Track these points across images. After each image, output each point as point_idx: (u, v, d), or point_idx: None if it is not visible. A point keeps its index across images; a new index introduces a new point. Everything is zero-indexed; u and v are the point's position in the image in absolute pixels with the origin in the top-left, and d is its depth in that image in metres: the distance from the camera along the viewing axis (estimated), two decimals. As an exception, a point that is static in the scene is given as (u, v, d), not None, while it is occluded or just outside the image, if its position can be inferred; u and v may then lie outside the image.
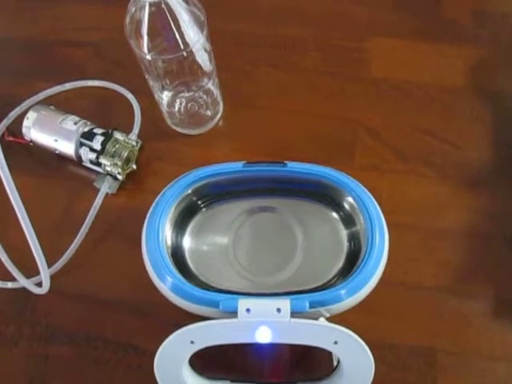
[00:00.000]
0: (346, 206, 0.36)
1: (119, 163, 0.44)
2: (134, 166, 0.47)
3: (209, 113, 0.50)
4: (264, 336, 0.30)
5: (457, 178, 0.47)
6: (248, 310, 0.29)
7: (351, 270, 0.34)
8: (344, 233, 0.36)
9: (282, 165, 0.35)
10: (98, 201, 0.45)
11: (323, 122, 0.51)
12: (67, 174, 0.49)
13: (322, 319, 0.33)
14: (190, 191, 0.36)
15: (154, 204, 0.35)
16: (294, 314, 0.30)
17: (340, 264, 0.35)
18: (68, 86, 0.52)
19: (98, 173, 0.47)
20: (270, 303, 0.30)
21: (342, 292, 0.32)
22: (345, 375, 0.32)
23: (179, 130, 0.50)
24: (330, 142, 0.50)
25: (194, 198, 0.37)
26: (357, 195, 0.34)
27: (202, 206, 0.38)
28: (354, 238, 0.35)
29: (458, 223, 0.45)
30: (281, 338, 0.30)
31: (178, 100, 0.50)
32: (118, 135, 0.44)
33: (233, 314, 0.30)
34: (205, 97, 0.50)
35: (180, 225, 0.37)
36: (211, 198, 0.38)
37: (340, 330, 0.29)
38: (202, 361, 0.34)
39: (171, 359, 0.32)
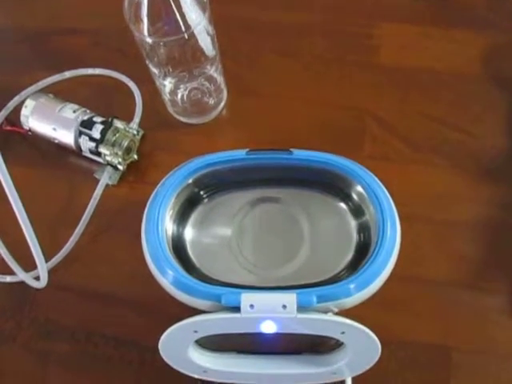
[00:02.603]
0: (355, 196, 0.34)
1: (119, 153, 0.43)
2: (136, 156, 0.45)
3: (212, 101, 0.48)
4: (269, 328, 0.29)
5: (471, 168, 0.45)
6: (252, 306, 0.28)
7: (361, 263, 0.32)
8: (353, 224, 0.34)
9: (287, 152, 0.33)
10: (98, 192, 0.43)
11: (330, 111, 0.49)
12: (67, 164, 0.48)
13: (329, 314, 0.32)
14: (191, 181, 0.35)
15: (153, 194, 0.33)
16: (301, 308, 0.28)
17: (349, 257, 0.33)
18: (68, 74, 0.51)
19: (98, 163, 0.46)
20: (275, 298, 0.28)
21: (351, 286, 0.30)
22: (350, 352, 0.31)
23: (182, 119, 0.49)
24: (338, 131, 0.48)
25: (196, 188, 0.36)
26: (366, 183, 0.32)
27: (205, 196, 0.36)
28: (363, 230, 0.33)
29: (473, 215, 0.43)
30: (286, 329, 0.29)
31: (180, 88, 0.48)
32: (118, 124, 0.43)
33: (236, 308, 0.28)
34: (208, 84, 0.48)
35: (181, 216, 0.35)
36: (214, 189, 0.36)
37: (347, 324, 0.28)
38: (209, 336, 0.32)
39: (175, 345, 0.31)
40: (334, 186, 0.35)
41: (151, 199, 0.33)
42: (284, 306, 0.28)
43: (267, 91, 0.50)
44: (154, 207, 0.32)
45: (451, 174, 0.45)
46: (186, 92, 0.49)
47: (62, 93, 0.49)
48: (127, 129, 0.43)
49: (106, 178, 0.44)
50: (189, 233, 0.36)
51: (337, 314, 0.32)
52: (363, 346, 0.30)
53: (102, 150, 0.42)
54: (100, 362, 0.40)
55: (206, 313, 0.30)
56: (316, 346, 0.35)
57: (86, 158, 0.47)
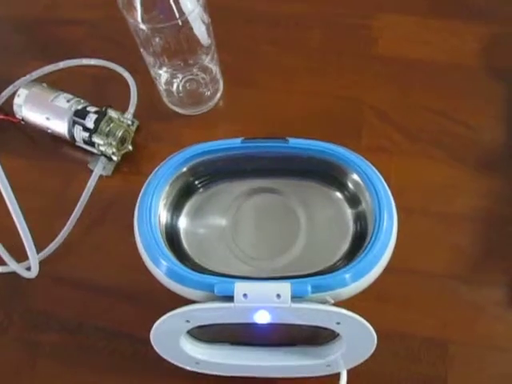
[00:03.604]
0: (351, 185, 0.34)
1: (114, 143, 0.42)
2: (130, 147, 0.45)
3: (208, 92, 0.48)
4: (262, 318, 0.28)
5: (469, 160, 0.44)
6: (245, 296, 0.27)
7: (357, 253, 0.32)
8: (349, 213, 0.34)
9: (283, 141, 0.33)
10: (92, 182, 0.43)
11: (328, 102, 0.48)
12: (61, 155, 0.47)
13: (326, 305, 0.31)
14: (185, 169, 0.34)
15: (146, 183, 0.33)
16: (295, 299, 0.28)
17: (345, 246, 0.33)
18: (62, 64, 0.50)
19: (92, 154, 0.46)
20: (269, 288, 0.27)
21: (347, 276, 0.29)
22: (346, 343, 0.30)
23: (177, 110, 0.48)
24: (335, 122, 0.47)
25: (191, 178, 0.35)
26: (363, 172, 0.31)
27: (199, 186, 0.36)
28: (360, 219, 0.33)
29: (471, 207, 0.42)
30: (280, 320, 0.28)
31: (176, 78, 0.48)
32: (112, 113, 0.42)
33: (229, 298, 0.28)
34: (203, 75, 0.47)
35: (176, 205, 0.35)
36: (209, 178, 0.36)
37: (343, 314, 0.27)
38: (201, 327, 0.32)
39: (166, 336, 0.31)
40: (331, 175, 0.34)
41: (144, 188, 0.33)
42: (278, 296, 0.27)
43: (264, 82, 0.50)
44: (146, 196, 0.32)
45: (449, 166, 0.44)
46: (182, 82, 0.48)
47: (57, 83, 0.49)
48: (121, 119, 0.43)
49: (99, 169, 0.43)
50: (183, 222, 0.35)
51: (333, 305, 0.31)
52: (359, 337, 0.29)
53: (96, 139, 0.41)
54: (92, 353, 0.39)
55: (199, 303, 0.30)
56: (311, 338, 0.35)
57: (80, 148, 0.46)
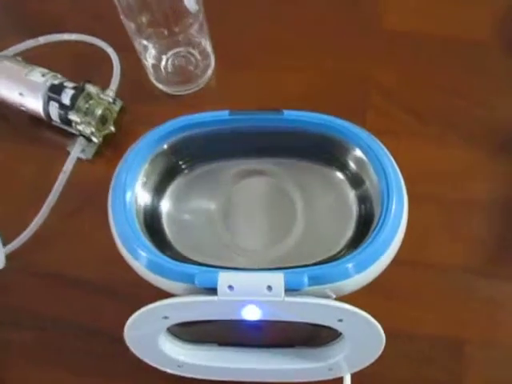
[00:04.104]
0: (352, 164, 0.30)
1: (93, 122, 0.38)
2: (112, 128, 0.41)
3: (198, 69, 0.44)
4: (252, 314, 0.24)
5: (485, 143, 0.40)
6: (231, 287, 0.23)
7: (363, 241, 0.28)
8: (352, 195, 0.30)
9: (277, 113, 0.29)
10: (69, 166, 0.39)
11: (329, 81, 0.44)
12: (37, 137, 0.43)
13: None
14: (166, 147, 0.30)
15: (121, 160, 0.29)
16: (290, 292, 0.24)
17: (349, 233, 0.29)
18: (42, 40, 0.46)
19: (72, 136, 0.42)
20: (259, 279, 0.23)
21: (349, 266, 0.25)
22: (349, 344, 0.26)
23: (165, 89, 0.44)
24: (338, 103, 0.43)
25: (173, 157, 0.31)
26: (367, 145, 0.27)
27: (184, 166, 0.32)
28: (364, 201, 0.29)
29: (487, 194, 0.38)
30: (273, 316, 0.24)
31: (163, 54, 0.44)
32: (90, 88, 0.38)
33: (213, 291, 0.24)
34: (193, 50, 0.44)
35: (157, 187, 0.31)
36: (194, 158, 0.32)
37: (345, 309, 0.23)
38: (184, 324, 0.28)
39: (143, 334, 0.27)
40: (330, 153, 0.30)
41: (119, 166, 0.29)
42: (269, 288, 0.23)
43: (258, 59, 0.46)
44: (121, 175, 0.28)
45: (463, 150, 0.40)
46: (170, 59, 0.44)
47: (36, 60, 0.45)
48: (102, 95, 0.39)
49: (77, 151, 0.39)
50: (165, 206, 0.31)
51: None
52: (364, 337, 0.25)
53: (72, 117, 0.37)
54: (68, 353, 0.36)
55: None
56: (310, 338, 0.31)
57: (58, 129, 0.42)
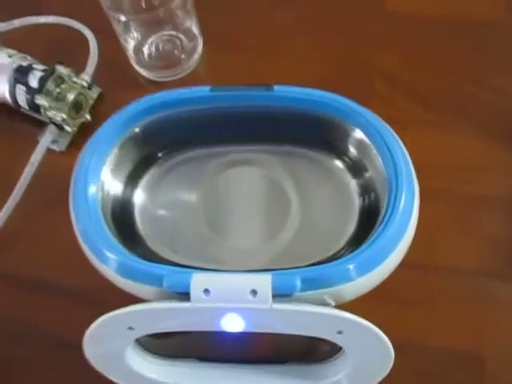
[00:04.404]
0: (353, 149, 0.26)
1: (65, 108, 0.35)
2: (88, 116, 0.37)
3: (184, 54, 0.40)
4: (233, 324, 0.20)
5: (498, 133, 0.36)
6: (206, 292, 0.19)
7: (366, 238, 0.24)
8: (353, 185, 0.26)
9: (266, 89, 0.25)
10: (37, 157, 0.35)
11: (329, 67, 0.40)
12: (4, 125, 0.39)
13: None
14: (138, 130, 0.26)
15: (84, 146, 0.25)
16: (279, 298, 0.20)
17: (351, 229, 0.25)
18: (17, 23, 0.42)
19: (44, 124, 0.38)
20: (241, 281, 0.19)
21: (350, 267, 0.21)
22: (351, 360, 0.22)
23: (148, 75, 0.40)
24: (338, 89, 0.38)
25: (148, 142, 0.27)
26: (371, 126, 0.23)
27: (160, 154, 0.28)
28: (367, 191, 0.25)
29: (503, 189, 0.34)
30: (259, 327, 0.20)
31: (147, 38, 0.40)
32: (61, 70, 0.34)
33: (186, 295, 0.20)
34: (179, 33, 0.40)
35: (130, 176, 0.27)
36: (171, 145, 0.28)
37: (346, 319, 0.19)
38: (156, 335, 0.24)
39: (106, 347, 0.23)
40: (328, 137, 0.26)
41: (82, 151, 0.25)
42: (253, 292, 0.19)
43: (252, 44, 0.42)
44: (83, 161, 0.24)
45: (476, 140, 0.36)
46: (154, 42, 0.41)
47: (10, 44, 0.41)
48: (75, 79, 0.35)
49: (47, 140, 0.35)
50: (139, 197, 0.27)
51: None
52: (369, 352, 0.21)
53: (40, 101, 0.33)
54: (31, 369, 0.32)
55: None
56: (305, 353, 0.26)
57: (27, 117, 0.38)
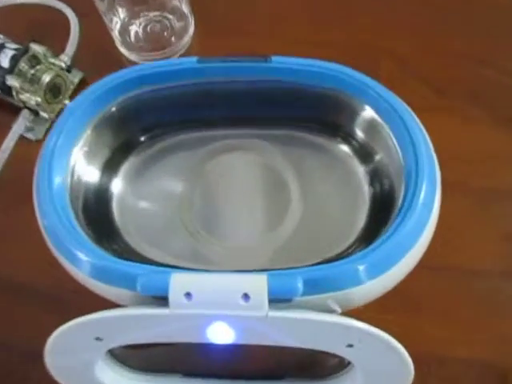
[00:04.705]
0: (361, 131, 0.22)
1: (40, 91, 0.31)
2: (67, 102, 0.34)
3: (173, 36, 0.37)
4: (221, 336, 0.17)
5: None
6: (188, 296, 0.16)
7: (379, 233, 0.20)
8: (361, 171, 0.23)
9: (262, 60, 0.21)
10: (9, 144, 0.31)
11: (333, 52, 0.36)
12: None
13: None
14: (114, 109, 0.22)
15: (51, 129, 0.22)
16: (277, 303, 0.17)
17: (361, 223, 0.21)
18: (-8, 4, 0.40)
19: (18, 110, 0.35)
20: (230, 283, 0.16)
21: (361, 267, 0.18)
22: (362, 376, 0.19)
23: (134, 58, 0.37)
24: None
25: (127, 124, 0.24)
26: (387, 103, 0.20)
27: (142, 139, 0.25)
28: (379, 177, 0.22)
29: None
30: (251, 338, 0.17)
31: (133, 18, 0.37)
32: (36, 48, 0.31)
33: (164, 300, 0.17)
34: (168, 15, 0.37)
35: (108, 163, 0.23)
36: (154, 128, 0.24)
37: (360, 329, 0.16)
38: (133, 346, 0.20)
39: (72, 361, 0.19)
40: (331, 118, 0.23)
41: (49, 133, 0.22)
42: (246, 297, 0.16)
43: (248, 28, 0.38)
44: (49, 142, 0.21)
45: (491, 129, 0.33)
46: (142, 24, 0.37)
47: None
48: (52, 59, 0.32)
49: (21, 126, 0.32)
50: (117, 186, 0.24)
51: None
52: (384, 368, 0.18)
53: (12, 82, 0.30)
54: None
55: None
56: (306, 367, 0.23)
57: (1, 102, 0.35)
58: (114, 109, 0.23)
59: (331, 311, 0.19)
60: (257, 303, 0.16)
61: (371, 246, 0.19)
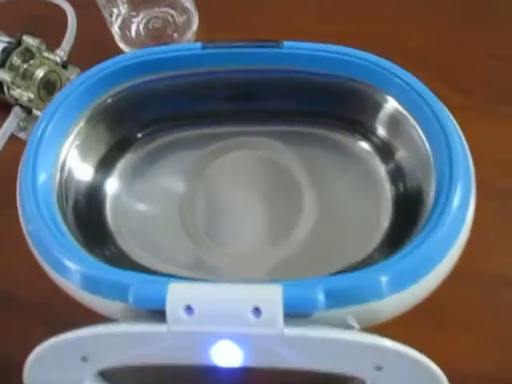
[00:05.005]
0: (383, 125, 0.20)
1: (33, 86, 0.29)
2: (62, 100, 0.32)
3: (177, 34, 0.35)
4: (227, 357, 0.14)
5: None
6: (189, 310, 0.13)
7: (404, 240, 0.18)
8: (383, 170, 0.20)
9: (273, 45, 0.19)
10: (-1, 143, 0.30)
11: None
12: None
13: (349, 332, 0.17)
14: (110, 100, 0.20)
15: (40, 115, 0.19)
16: (293, 319, 0.14)
17: (383, 227, 0.19)
18: (-13, -2, 0.38)
19: (10, 108, 0.33)
20: (238, 295, 0.13)
21: (383, 279, 0.15)
22: None
23: (136, 55, 0.36)
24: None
25: (126, 121, 0.21)
26: (415, 91, 0.18)
27: (140, 135, 0.22)
28: (402, 175, 0.19)
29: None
30: (262, 361, 0.14)
31: (134, 12, 0.35)
32: (29, 41, 0.29)
33: (160, 314, 0.14)
34: (172, 11, 0.35)
35: (103, 160, 0.21)
36: (153, 123, 0.22)
37: (391, 350, 0.13)
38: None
39: (53, 381, 0.16)
40: (349, 111, 0.21)
41: (36, 124, 0.20)
42: (257, 311, 0.13)
43: (254, 22, 0.36)
44: (35, 132, 0.19)
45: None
46: (143, 22, 0.36)
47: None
48: (46, 53, 0.30)
49: (12, 124, 0.30)
50: (112, 186, 0.21)
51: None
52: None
53: (2, 76, 0.28)
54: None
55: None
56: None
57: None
58: (109, 100, 0.20)
59: (349, 327, 0.16)
60: (270, 318, 0.13)
61: (401, 252, 0.16)
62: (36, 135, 0.18)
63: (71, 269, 0.17)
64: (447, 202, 0.16)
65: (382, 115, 0.20)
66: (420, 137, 0.18)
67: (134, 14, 0.35)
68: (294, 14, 0.38)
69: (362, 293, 0.16)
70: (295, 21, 0.37)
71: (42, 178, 0.18)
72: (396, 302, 0.16)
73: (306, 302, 0.14)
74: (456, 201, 0.16)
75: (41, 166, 0.18)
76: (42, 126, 0.18)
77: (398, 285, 0.16)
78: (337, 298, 0.14)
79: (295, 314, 0.14)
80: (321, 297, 0.14)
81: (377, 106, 0.20)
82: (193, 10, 0.36)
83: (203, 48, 0.19)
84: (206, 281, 0.17)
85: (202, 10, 0.37)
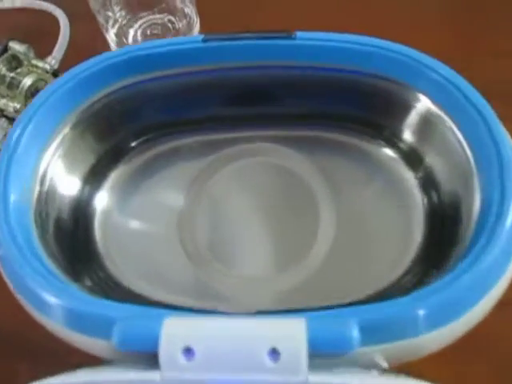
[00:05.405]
0: (411, 128, 0.17)
1: (20, 96, 0.27)
2: (53, 111, 0.30)
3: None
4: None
5: None
6: (188, 353, 0.10)
7: (441, 263, 0.15)
8: (411, 178, 0.17)
9: (284, 36, 0.17)
10: (-19, 157, 0.27)
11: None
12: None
13: (374, 373, 0.14)
14: (100, 103, 0.18)
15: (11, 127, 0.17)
16: (320, 359, 0.11)
17: (415, 243, 0.16)
18: (-23, 8, 0.36)
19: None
20: (250, 332, 0.11)
21: (420, 313, 0.13)
22: None
23: (132, 64, 0.34)
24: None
25: (117, 128, 0.19)
26: (454, 86, 0.15)
27: (134, 144, 0.20)
28: (432, 183, 0.17)
29: None
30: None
31: (132, 18, 0.33)
32: (16, 48, 0.27)
33: (153, 357, 0.11)
34: (171, 17, 0.33)
35: (92, 171, 0.19)
36: (149, 130, 0.20)
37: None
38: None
39: None
40: (373, 113, 0.18)
41: (11, 127, 0.17)
42: (274, 353, 0.10)
43: (260, 28, 0.35)
44: (9, 139, 0.16)
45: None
46: (142, 28, 0.34)
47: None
48: (34, 61, 0.28)
49: (-4, 137, 0.28)
50: (102, 201, 0.19)
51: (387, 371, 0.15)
52: None
53: (-15, 84, 0.26)
54: None
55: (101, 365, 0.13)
56: None
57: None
58: (98, 103, 0.18)
59: (375, 367, 0.14)
60: (291, 362, 0.10)
61: (442, 280, 0.13)
62: (9, 143, 0.15)
63: (48, 301, 0.14)
64: (498, 222, 0.13)
65: (412, 116, 0.18)
66: (458, 140, 0.16)
67: (131, 19, 0.34)
68: (298, 19, 0.36)
69: (400, 327, 0.13)
70: (299, 26, 0.36)
71: (15, 193, 0.15)
72: (432, 339, 0.14)
73: (337, 341, 0.11)
74: (509, 220, 0.14)
75: (14, 180, 0.15)
76: (17, 133, 0.15)
77: (434, 319, 0.13)
78: (373, 334, 0.12)
79: (322, 354, 0.11)
80: (355, 333, 0.11)
81: (407, 107, 0.17)
82: (193, 15, 0.35)
83: (204, 41, 0.17)
84: (208, 312, 0.15)
85: (203, 16, 0.36)
